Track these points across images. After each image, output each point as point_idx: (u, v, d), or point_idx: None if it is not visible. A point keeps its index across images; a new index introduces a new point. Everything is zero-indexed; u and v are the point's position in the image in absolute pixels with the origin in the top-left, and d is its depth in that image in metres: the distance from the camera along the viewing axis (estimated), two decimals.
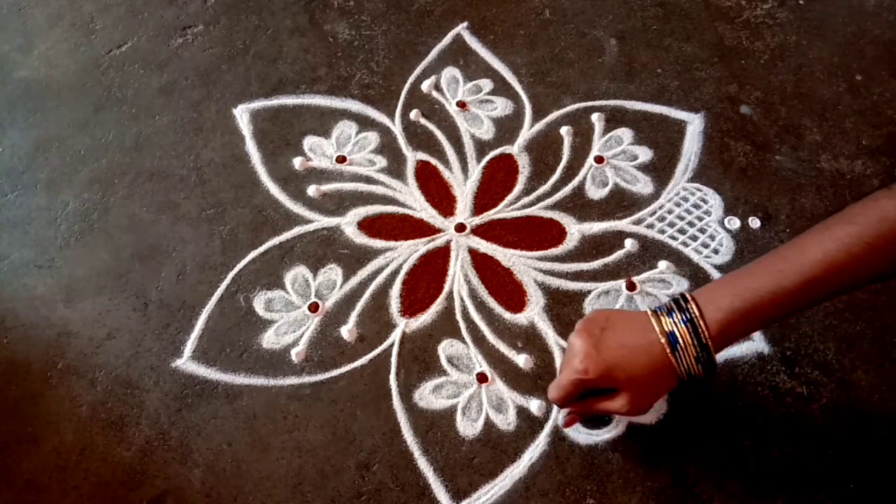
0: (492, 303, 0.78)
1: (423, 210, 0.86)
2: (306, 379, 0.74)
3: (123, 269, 0.82)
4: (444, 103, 0.96)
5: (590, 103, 0.95)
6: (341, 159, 0.91)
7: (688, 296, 0.57)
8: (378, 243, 0.83)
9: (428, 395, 0.72)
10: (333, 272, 0.81)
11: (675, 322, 0.56)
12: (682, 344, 0.56)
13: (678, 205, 0.85)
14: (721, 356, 0.74)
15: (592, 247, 0.82)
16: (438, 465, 0.68)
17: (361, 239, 0.84)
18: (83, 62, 1.02)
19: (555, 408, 0.71)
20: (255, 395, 0.73)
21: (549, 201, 0.86)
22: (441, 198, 0.87)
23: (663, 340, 0.57)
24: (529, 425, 0.70)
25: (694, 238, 0.82)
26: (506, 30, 1.04)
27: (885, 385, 0.71)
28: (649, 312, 0.59)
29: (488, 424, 0.70)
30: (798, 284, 0.54)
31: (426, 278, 0.80)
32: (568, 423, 0.67)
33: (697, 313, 0.56)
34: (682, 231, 0.83)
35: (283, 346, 0.76)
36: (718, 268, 0.80)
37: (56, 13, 1.08)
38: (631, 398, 0.58)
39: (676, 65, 0.99)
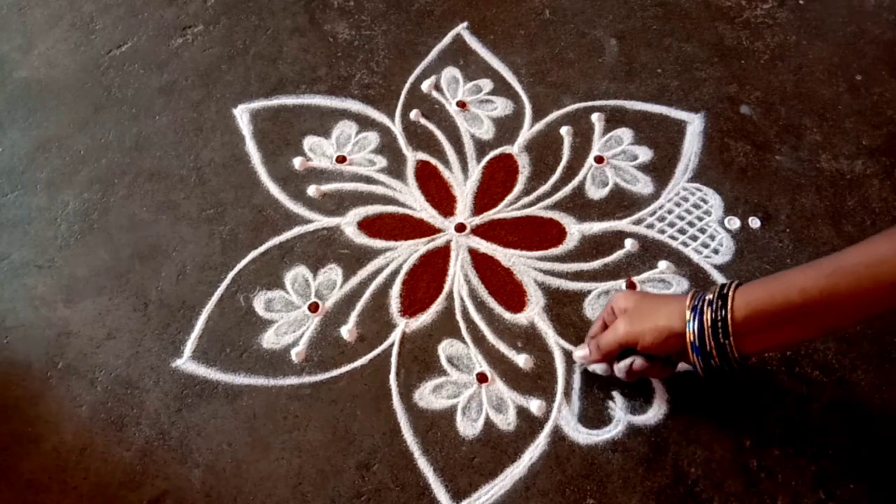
0: (492, 303, 0.78)
1: (423, 210, 0.86)
2: (306, 379, 0.74)
3: (123, 269, 0.82)
4: (444, 103, 0.96)
5: (590, 103, 0.95)
6: (341, 159, 0.91)
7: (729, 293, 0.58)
8: (378, 243, 0.83)
9: (428, 395, 0.72)
10: (333, 272, 0.81)
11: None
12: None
13: (678, 205, 0.85)
14: None
15: (592, 247, 0.82)
16: (438, 465, 0.68)
17: (361, 239, 0.84)
18: (83, 62, 1.02)
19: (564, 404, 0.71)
20: (255, 395, 0.73)
21: (549, 201, 0.86)
22: (441, 198, 0.87)
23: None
24: (529, 425, 0.70)
25: (694, 238, 0.82)
26: (506, 30, 1.04)
27: (885, 385, 0.71)
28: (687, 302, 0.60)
29: (488, 424, 0.70)
30: (827, 279, 0.53)
31: (426, 278, 0.80)
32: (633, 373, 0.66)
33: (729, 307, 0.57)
34: (682, 231, 0.83)
35: (283, 346, 0.76)
36: (718, 268, 0.80)
37: (56, 13, 1.08)
38: (630, 328, 0.62)
39: (676, 65, 0.99)
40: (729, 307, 0.57)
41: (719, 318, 0.57)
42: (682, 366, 0.67)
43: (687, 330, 0.59)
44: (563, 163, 0.90)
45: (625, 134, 0.92)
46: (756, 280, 0.58)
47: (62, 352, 0.77)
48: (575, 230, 0.84)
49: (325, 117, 0.95)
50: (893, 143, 0.90)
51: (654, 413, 0.70)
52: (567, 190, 0.87)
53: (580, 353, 0.71)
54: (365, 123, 0.94)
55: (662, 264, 0.80)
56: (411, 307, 0.78)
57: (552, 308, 0.78)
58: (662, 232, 0.83)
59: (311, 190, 0.87)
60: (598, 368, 0.70)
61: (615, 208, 0.85)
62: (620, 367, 0.66)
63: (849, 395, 0.71)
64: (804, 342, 0.73)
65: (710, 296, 0.59)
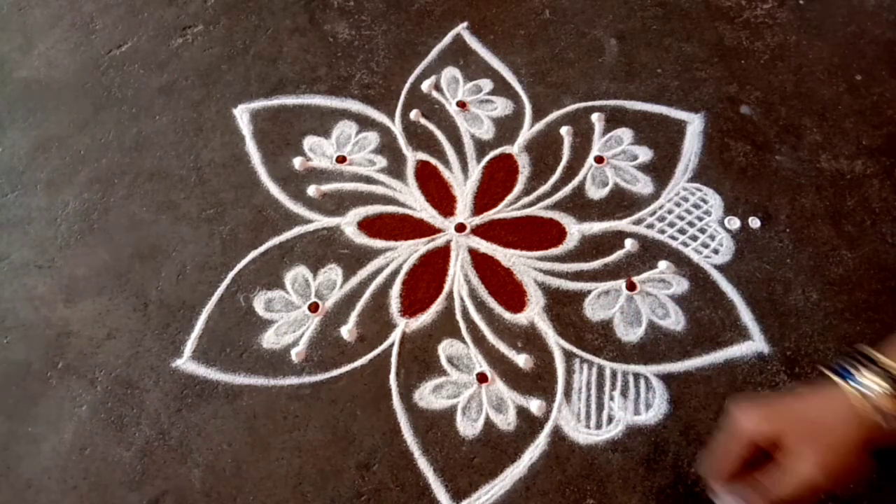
0: (492, 303, 0.78)
1: (423, 210, 0.86)
2: (306, 379, 0.74)
3: (123, 269, 0.82)
4: (444, 103, 0.96)
5: (590, 103, 0.95)
6: (341, 159, 0.91)
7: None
8: (378, 243, 0.83)
9: (428, 395, 0.72)
10: (333, 272, 0.81)
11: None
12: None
13: (678, 205, 0.85)
14: (722, 356, 0.74)
15: (592, 247, 0.82)
16: (438, 465, 0.68)
17: (361, 239, 0.84)
18: (83, 62, 1.02)
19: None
20: (255, 395, 0.73)
21: (549, 201, 0.86)
22: (441, 198, 0.87)
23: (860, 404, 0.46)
24: (529, 425, 0.70)
25: (694, 238, 0.82)
26: (506, 30, 1.04)
27: None
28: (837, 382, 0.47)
29: (488, 424, 0.70)
30: None
31: (426, 278, 0.80)
32: None
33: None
34: (682, 231, 0.83)
35: (283, 346, 0.76)
36: (718, 268, 0.80)
37: (56, 13, 1.08)
38: (817, 457, 0.45)
39: (676, 65, 0.99)
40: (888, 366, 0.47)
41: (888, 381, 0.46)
42: None
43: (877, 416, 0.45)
44: (563, 163, 0.90)
45: (625, 134, 0.92)
46: (888, 339, 0.50)
47: (62, 352, 0.76)
48: (575, 230, 0.84)
49: (325, 117, 0.95)
50: (893, 143, 0.90)
51: (654, 413, 0.70)
52: (567, 190, 0.87)
53: None
54: (365, 123, 0.94)
55: (662, 264, 0.80)
56: (411, 307, 0.78)
57: (552, 308, 0.78)
58: (662, 232, 0.83)
59: (311, 190, 0.87)
60: None
61: (615, 208, 0.85)
62: None
63: None
64: None
65: (861, 374, 0.47)
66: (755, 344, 0.74)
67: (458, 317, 0.77)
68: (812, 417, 0.47)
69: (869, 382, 0.46)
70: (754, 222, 0.83)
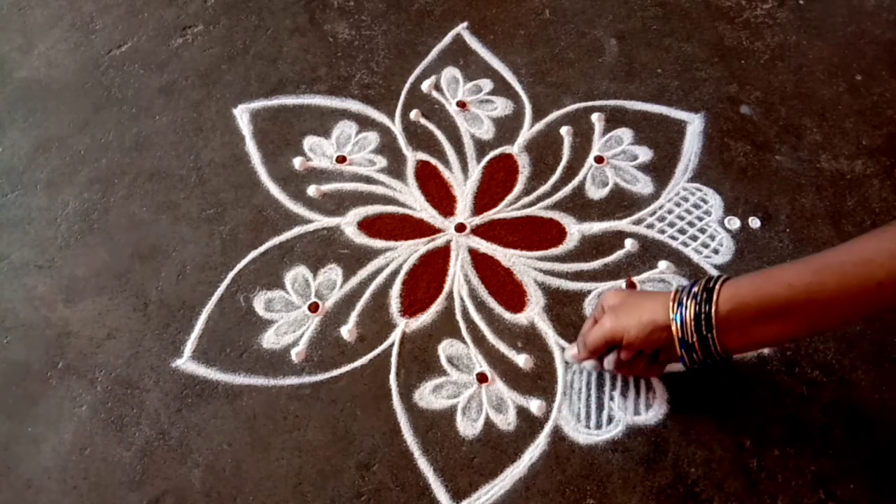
0: (492, 303, 0.78)
1: (423, 210, 0.86)
2: (306, 379, 0.74)
3: (123, 269, 0.82)
4: (444, 103, 0.96)
5: (590, 103, 0.95)
6: (341, 159, 0.91)
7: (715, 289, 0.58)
8: (378, 243, 0.83)
9: (428, 395, 0.72)
10: (333, 272, 0.81)
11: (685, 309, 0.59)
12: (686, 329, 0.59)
13: (678, 205, 0.85)
14: None
15: (592, 247, 0.82)
16: (438, 465, 0.68)
17: (361, 239, 0.84)
18: (83, 62, 1.02)
19: (562, 402, 0.71)
20: (255, 395, 0.73)
21: (549, 201, 0.86)
22: (441, 198, 0.87)
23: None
24: (529, 425, 0.70)
25: (694, 238, 0.82)
26: (506, 30, 1.04)
27: (885, 385, 0.71)
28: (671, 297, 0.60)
29: (488, 424, 0.70)
30: (814, 275, 0.53)
31: (426, 278, 0.80)
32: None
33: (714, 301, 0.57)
34: (682, 231, 0.83)
35: (283, 346, 0.76)
36: (718, 268, 0.80)
37: (56, 13, 1.08)
38: (615, 322, 0.62)
39: (676, 65, 0.99)
40: (713, 300, 0.57)
41: (703, 311, 0.57)
42: (675, 366, 0.67)
43: (672, 322, 0.59)
44: (563, 163, 0.90)
45: (625, 134, 0.92)
46: (744, 275, 0.58)
47: (62, 352, 0.76)
48: (575, 230, 0.84)
49: (325, 117, 0.95)
50: (893, 143, 0.90)
51: (654, 413, 0.70)
52: (567, 190, 0.87)
53: (570, 352, 0.72)
54: (365, 123, 0.94)
55: (662, 264, 0.80)
56: (411, 307, 0.78)
57: (552, 308, 0.78)
58: (662, 232, 0.83)
59: (311, 190, 0.88)
60: (588, 366, 0.70)
61: (615, 208, 0.85)
62: (609, 360, 0.66)
63: (849, 395, 0.71)
64: (790, 341, 0.72)
65: (696, 289, 0.58)
66: None
67: (458, 317, 0.77)
68: (638, 302, 0.62)
69: (685, 310, 0.58)
70: (754, 222, 0.83)
